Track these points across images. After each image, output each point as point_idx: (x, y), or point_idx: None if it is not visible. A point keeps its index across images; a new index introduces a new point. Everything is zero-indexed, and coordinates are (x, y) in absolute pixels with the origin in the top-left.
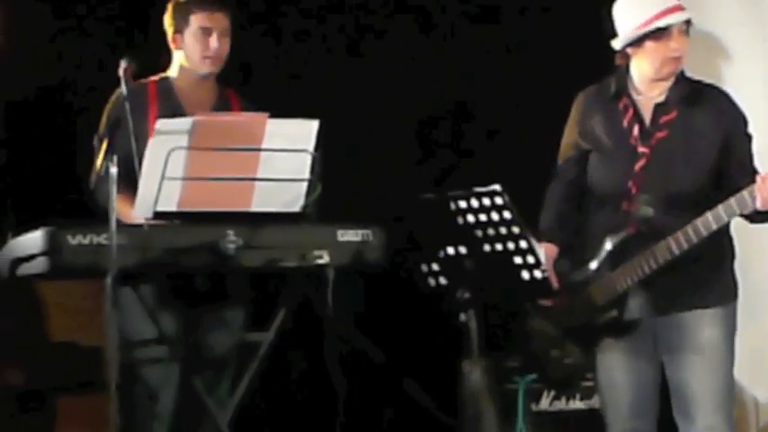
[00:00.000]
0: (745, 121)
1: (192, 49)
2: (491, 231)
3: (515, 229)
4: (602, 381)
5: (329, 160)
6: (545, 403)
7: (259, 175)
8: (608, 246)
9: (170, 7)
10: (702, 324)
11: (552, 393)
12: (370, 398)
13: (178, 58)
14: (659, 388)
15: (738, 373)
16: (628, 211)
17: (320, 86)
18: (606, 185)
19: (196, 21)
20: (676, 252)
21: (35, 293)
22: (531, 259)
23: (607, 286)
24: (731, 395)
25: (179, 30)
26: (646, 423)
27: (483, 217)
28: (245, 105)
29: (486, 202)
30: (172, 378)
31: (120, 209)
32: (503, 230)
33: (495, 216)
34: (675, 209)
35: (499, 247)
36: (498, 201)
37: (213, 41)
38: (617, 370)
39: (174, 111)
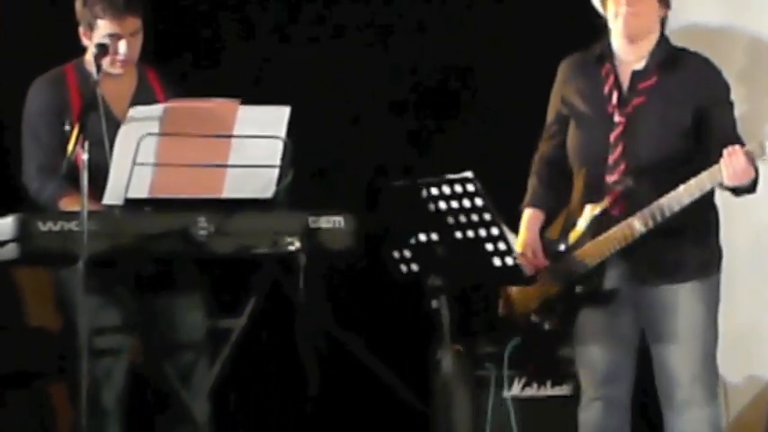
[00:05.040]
0: (726, 89)
1: None
2: (462, 218)
3: (487, 216)
4: (578, 347)
5: (301, 147)
6: (516, 389)
7: (230, 162)
8: (589, 214)
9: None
10: (683, 297)
11: (524, 380)
12: (342, 384)
13: (91, 47)
14: (636, 358)
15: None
16: (608, 180)
17: (291, 71)
18: (583, 154)
19: (104, 27)
20: (651, 225)
21: (8, 279)
22: (502, 246)
23: (587, 255)
24: (712, 369)
25: (88, 27)
26: (619, 390)
27: (454, 204)
28: (167, 85)
29: (458, 188)
30: (115, 371)
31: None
32: (474, 217)
33: (466, 203)
34: (654, 176)
35: (470, 233)
36: (470, 187)
37: (122, 47)
38: (594, 337)
39: (94, 98)
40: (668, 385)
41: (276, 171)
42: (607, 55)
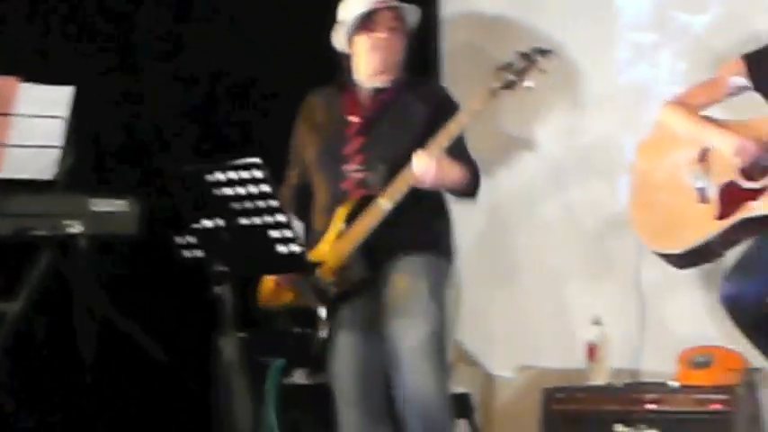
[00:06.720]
0: (452, 105)
1: None
2: (248, 204)
3: (273, 203)
4: (330, 363)
5: (84, 127)
6: (299, 376)
7: (10, 141)
8: (342, 214)
9: None
10: (400, 272)
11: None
12: (121, 371)
13: None
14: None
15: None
16: (346, 169)
17: (77, 52)
18: (323, 159)
19: None
20: (376, 222)
21: None
22: (287, 233)
23: (332, 260)
24: (437, 340)
25: None
26: (372, 400)
27: (240, 190)
28: None
29: (245, 174)
30: None
31: None
32: (260, 204)
33: (252, 189)
34: (390, 172)
35: (256, 220)
36: (257, 174)
37: None
38: (341, 347)
39: None
40: (394, 360)
41: (57, 152)
42: (349, 83)
